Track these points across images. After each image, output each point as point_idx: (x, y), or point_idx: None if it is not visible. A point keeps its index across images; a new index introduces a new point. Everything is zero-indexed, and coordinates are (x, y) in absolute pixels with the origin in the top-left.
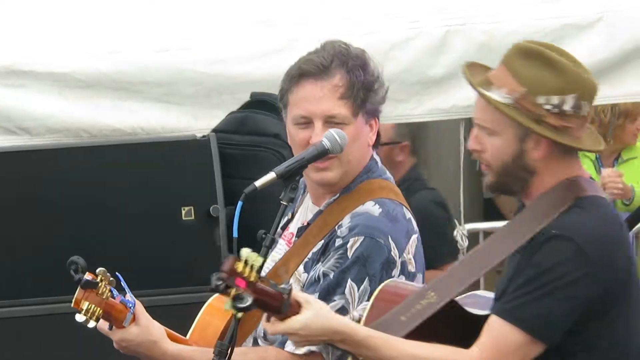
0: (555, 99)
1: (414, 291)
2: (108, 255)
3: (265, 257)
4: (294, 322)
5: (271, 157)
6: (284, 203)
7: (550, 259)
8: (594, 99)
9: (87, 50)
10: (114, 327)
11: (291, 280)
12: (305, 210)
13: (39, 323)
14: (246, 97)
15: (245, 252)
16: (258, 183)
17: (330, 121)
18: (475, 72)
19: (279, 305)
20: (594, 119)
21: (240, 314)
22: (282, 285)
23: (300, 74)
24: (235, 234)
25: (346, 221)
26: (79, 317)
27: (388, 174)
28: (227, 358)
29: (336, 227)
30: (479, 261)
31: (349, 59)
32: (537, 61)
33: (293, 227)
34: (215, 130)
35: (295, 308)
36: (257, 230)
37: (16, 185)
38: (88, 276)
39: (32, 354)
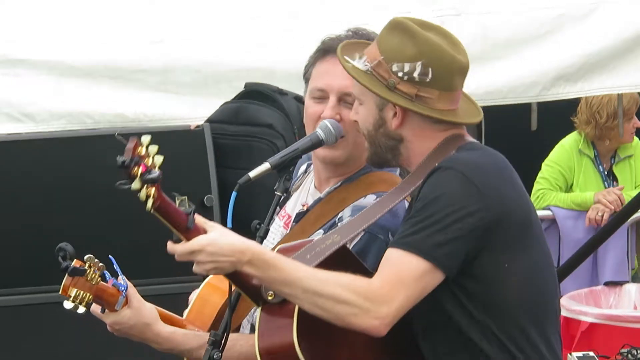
0: (407, 66)
1: (318, 238)
2: (102, 244)
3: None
4: (200, 239)
5: (265, 148)
6: (278, 193)
7: (434, 188)
8: (452, 70)
9: (81, 39)
10: (106, 310)
11: None
12: (306, 192)
13: (35, 311)
14: (243, 86)
15: (145, 138)
16: (252, 174)
17: (344, 99)
18: (354, 47)
19: (185, 219)
20: (590, 120)
21: (152, 195)
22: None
23: (325, 49)
24: (229, 224)
25: (347, 214)
26: (67, 304)
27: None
28: (221, 348)
29: (336, 220)
30: (375, 209)
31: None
32: (399, 31)
33: (290, 208)
34: (209, 121)
35: (201, 231)
36: (251, 221)
37: (10, 175)
38: (76, 264)
39: (27, 342)
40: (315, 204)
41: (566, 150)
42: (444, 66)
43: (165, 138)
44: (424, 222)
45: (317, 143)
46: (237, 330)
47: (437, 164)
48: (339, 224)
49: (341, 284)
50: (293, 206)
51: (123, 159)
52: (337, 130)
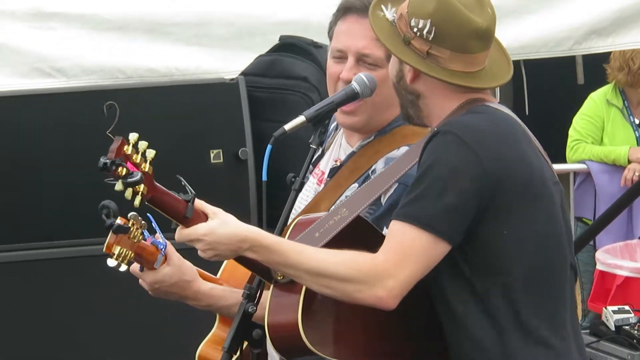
0: (421, 22)
1: (326, 213)
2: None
3: (293, 200)
4: (199, 228)
5: (299, 100)
6: (313, 147)
7: (432, 154)
8: (464, 32)
9: None
10: (145, 269)
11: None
12: (338, 148)
13: (68, 266)
14: (278, 39)
15: (133, 136)
16: (287, 126)
17: (363, 59)
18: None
19: (183, 208)
20: (623, 66)
21: (141, 192)
22: (184, 195)
23: (346, 7)
24: (264, 177)
25: (380, 166)
26: (111, 262)
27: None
28: (255, 301)
29: (369, 172)
30: (385, 177)
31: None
32: None
33: (324, 165)
34: (244, 74)
35: (202, 218)
36: (286, 174)
37: (50, 128)
38: (119, 221)
39: (61, 296)
40: (349, 159)
41: (594, 102)
42: (455, 27)
43: (200, 91)
44: (422, 191)
45: (353, 96)
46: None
47: (436, 128)
48: (372, 176)
49: (344, 262)
50: (326, 163)
51: (105, 160)
52: (373, 83)
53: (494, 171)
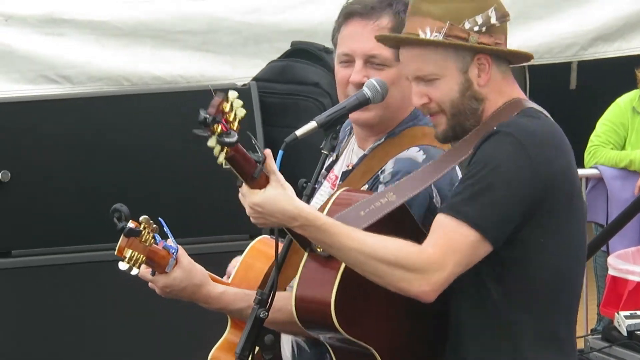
0: (479, 19)
1: (373, 194)
2: (149, 203)
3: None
4: (253, 196)
5: (311, 106)
6: (325, 152)
7: (489, 152)
8: (504, 16)
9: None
10: (156, 273)
11: None
12: (351, 153)
13: (80, 270)
14: (284, 46)
15: (233, 94)
16: (299, 132)
17: (371, 61)
18: (388, 42)
19: (253, 168)
20: None
21: (223, 154)
22: (254, 155)
23: (348, 12)
24: None
25: (389, 166)
26: (122, 265)
27: None
28: (267, 306)
29: (379, 173)
30: (435, 168)
31: (399, 3)
32: None
33: (337, 170)
34: (256, 79)
35: (263, 182)
36: (297, 179)
37: (58, 133)
38: (131, 224)
39: (73, 301)
40: (360, 161)
41: (620, 108)
42: (501, 12)
43: (211, 96)
44: (475, 190)
45: (364, 101)
46: (285, 291)
47: (495, 127)
48: (381, 176)
49: (395, 251)
50: (340, 167)
51: (205, 115)
52: (384, 88)
53: (545, 179)
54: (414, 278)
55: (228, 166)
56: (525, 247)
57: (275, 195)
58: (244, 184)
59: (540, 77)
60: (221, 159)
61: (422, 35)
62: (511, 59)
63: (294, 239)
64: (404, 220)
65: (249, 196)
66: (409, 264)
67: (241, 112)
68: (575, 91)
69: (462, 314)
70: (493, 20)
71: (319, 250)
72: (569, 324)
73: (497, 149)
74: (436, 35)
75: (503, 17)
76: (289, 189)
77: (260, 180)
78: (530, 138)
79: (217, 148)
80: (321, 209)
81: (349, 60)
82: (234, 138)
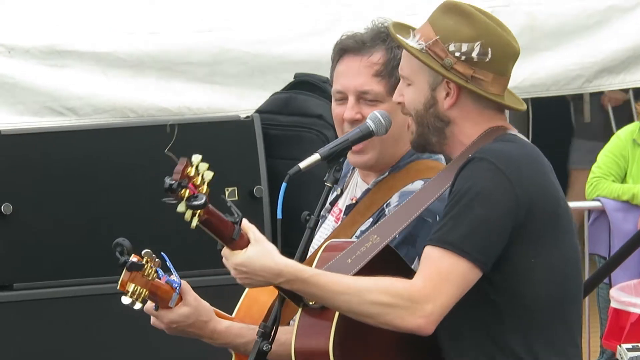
0: (464, 46)
1: (357, 240)
2: (152, 235)
3: (308, 237)
4: (237, 256)
5: (314, 138)
6: (328, 185)
7: (467, 180)
8: (508, 55)
9: (128, 30)
10: (159, 307)
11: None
12: (354, 187)
13: (82, 304)
14: (290, 77)
15: (196, 158)
16: (302, 164)
17: (363, 97)
18: (402, 29)
19: (231, 230)
20: None
21: (198, 213)
22: (231, 217)
23: (340, 49)
24: (279, 215)
25: (394, 200)
26: (125, 300)
27: (438, 155)
28: (270, 339)
29: (384, 206)
30: (413, 204)
31: (390, 37)
32: (453, 13)
33: (342, 203)
34: (259, 111)
35: (244, 242)
36: (301, 212)
37: (61, 166)
38: (134, 258)
39: (75, 334)
40: (364, 195)
41: (620, 140)
42: (501, 49)
43: (215, 128)
44: (458, 218)
45: (367, 134)
46: (288, 325)
47: (470, 155)
48: (387, 209)
49: (383, 290)
50: (344, 202)
51: (171, 181)
52: (387, 120)
53: (527, 199)
54: (408, 313)
55: (204, 229)
56: (515, 268)
57: (256, 254)
58: (224, 247)
59: (550, 111)
60: (194, 223)
61: (410, 38)
62: (485, 99)
63: (285, 296)
64: (391, 260)
65: (231, 258)
66: (401, 300)
67: (208, 175)
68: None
69: (452, 340)
70: (473, 54)
71: (311, 303)
72: (573, 339)
73: (474, 175)
74: (420, 44)
75: (484, 54)
76: (270, 246)
77: (240, 242)
78: (506, 160)
79: (188, 213)
80: (309, 262)
81: (342, 98)
82: (201, 200)
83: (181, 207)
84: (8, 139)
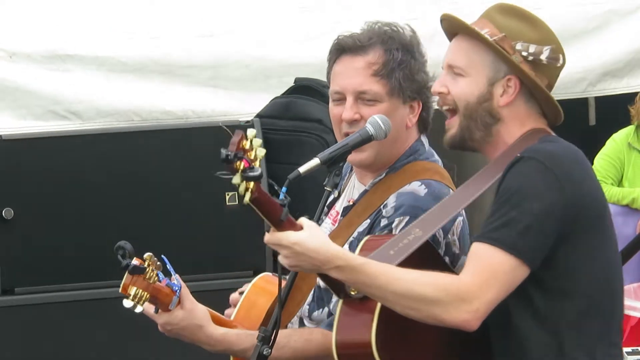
0: (532, 47)
1: (398, 234)
2: (153, 240)
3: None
4: (290, 235)
5: (314, 143)
6: (328, 189)
7: (516, 179)
8: (563, 65)
9: (130, 35)
10: (159, 310)
11: None
12: (352, 189)
13: (83, 308)
14: (293, 81)
15: (251, 132)
16: (302, 169)
17: (361, 97)
18: (447, 23)
19: (279, 211)
20: (637, 102)
21: (250, 189)
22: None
23: (338, 49)
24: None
25: (391, 201)
26: (127, 303)
27: (436, 157)
28: (270, 344)
29: (381, 207)
30: (455, 200)
31: (390, 38)
32: (515, 15)
33: (339, 206)
34: (259, 116)
35: (294, 224)
36: (300, 216)
37: (63, 170)
38: (135, 261)
39: (77, 338)
40: (361, 197)
41: (616, 143)
42: (564, 58)
43: (215, 133)
44: (508, 216)
45: (367, 138)
46: (286, 327)
47: (518, 154)
48: (384, 210)
49: (431, 284)
50: (341, 204)
51: (227, 152)
52: (387, 125)
53: (575, 199)
54: (454, 309)
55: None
56: (562, 267)
57: (311, 235)
58: (271, 229)
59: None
60: (247, 197)
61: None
62: (541, 101)
63: (327, 284)
64: (430, 255)
65: (284, 237)
66: (448, 294)
67: (261, 152)
68: (596, 127)
69: (497, 338)
70: (543, 56)
71: (353, 293)
72: (616, 336)
73: (523, 174)
74: (490, 37)
75: (554, 59)
76: (323, 233)
77: (287, 224)
78: (555, 160)
79: (243, 186)
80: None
81: (340, 98)
82: (257, 172)
83: (236, 179)
84: (9, 143)
